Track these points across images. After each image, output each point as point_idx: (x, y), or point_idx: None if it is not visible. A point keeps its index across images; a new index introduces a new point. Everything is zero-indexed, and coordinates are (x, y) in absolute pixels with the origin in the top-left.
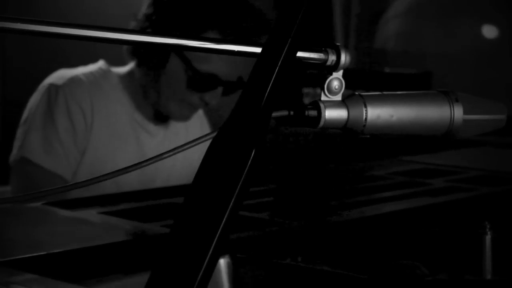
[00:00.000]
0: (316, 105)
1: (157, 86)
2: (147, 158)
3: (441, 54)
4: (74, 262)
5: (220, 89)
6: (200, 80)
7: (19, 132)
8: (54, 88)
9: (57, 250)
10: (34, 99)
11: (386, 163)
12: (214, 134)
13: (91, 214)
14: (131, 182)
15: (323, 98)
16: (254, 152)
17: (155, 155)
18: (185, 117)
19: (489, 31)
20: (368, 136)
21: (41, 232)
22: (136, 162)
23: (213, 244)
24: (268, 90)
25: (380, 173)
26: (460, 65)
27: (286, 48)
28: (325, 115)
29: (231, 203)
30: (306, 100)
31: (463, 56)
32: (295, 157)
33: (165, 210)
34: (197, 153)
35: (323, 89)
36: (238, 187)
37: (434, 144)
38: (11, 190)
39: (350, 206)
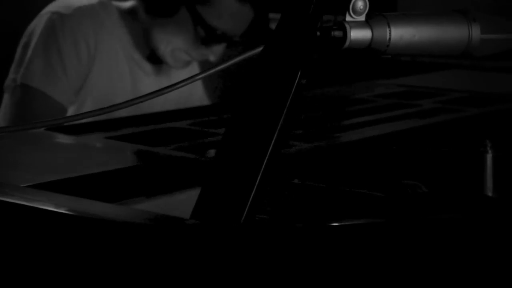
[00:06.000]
0: (341, 25)
1: (161, 33)
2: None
3: None
4: (96, 185)
5: (223, 45)
6: (208, 35)
7: (18, 54)
8: (59, 17)
9: (76, 175)
10: (36, 25)
11: (361, 86)
12: (256, 51)
13: (98, 139)
14: None
15: (347, 18)
16: (300, 73)
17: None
18: (179, 67)
19: None
20: (390, 56)
21: (52, 158)
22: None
23: (264, 164)
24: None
25: (362, 96)
26: None
27: None
28: (350, 35)
29: (278, 129)
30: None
31: None
32: None
33: (169, 134)
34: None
35: (348, 9)
36: (285, 110)
37: (406, 67)
38: (3, 114)
39: (340, 129)
